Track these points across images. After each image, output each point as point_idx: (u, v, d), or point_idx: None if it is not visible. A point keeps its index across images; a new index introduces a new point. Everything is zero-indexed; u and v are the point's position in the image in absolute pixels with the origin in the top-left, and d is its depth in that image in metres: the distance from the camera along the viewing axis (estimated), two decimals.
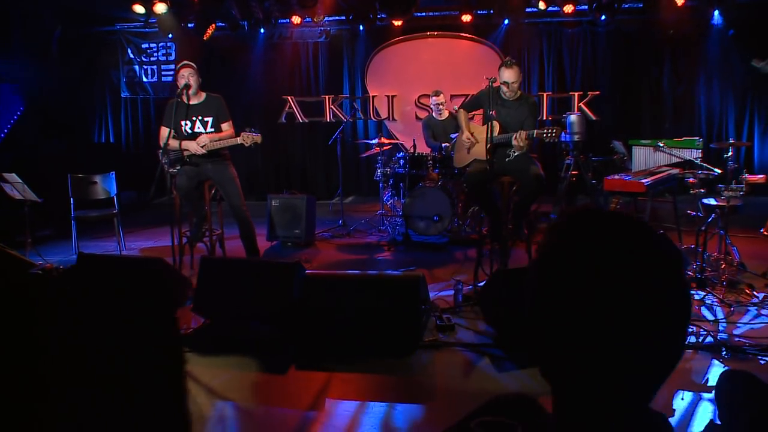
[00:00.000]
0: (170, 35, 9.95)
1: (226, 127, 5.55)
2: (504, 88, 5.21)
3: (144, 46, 10.84)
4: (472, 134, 5.50)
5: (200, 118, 5.47)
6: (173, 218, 5.42)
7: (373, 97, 10.17)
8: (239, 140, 5.32)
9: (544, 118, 9.59)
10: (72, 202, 6.73)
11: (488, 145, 4.78)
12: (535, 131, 4.92)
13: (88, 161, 8.75)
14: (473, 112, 5.88)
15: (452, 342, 3.99)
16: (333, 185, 10.45)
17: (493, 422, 1.28)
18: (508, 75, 5.17)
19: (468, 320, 4.35)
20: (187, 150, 5.39)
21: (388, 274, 4.21)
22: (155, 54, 10.87)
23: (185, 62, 5.49)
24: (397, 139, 9.35)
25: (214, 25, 9.10)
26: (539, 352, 0.80)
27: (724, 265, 4.83)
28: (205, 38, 9.12)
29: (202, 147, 5.33)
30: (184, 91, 5.33)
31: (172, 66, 10.82)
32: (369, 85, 10.21)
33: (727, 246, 4.93)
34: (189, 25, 9.55)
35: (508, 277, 3.96)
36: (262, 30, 9.83)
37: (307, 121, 10.28)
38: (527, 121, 5.15)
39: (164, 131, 5.49)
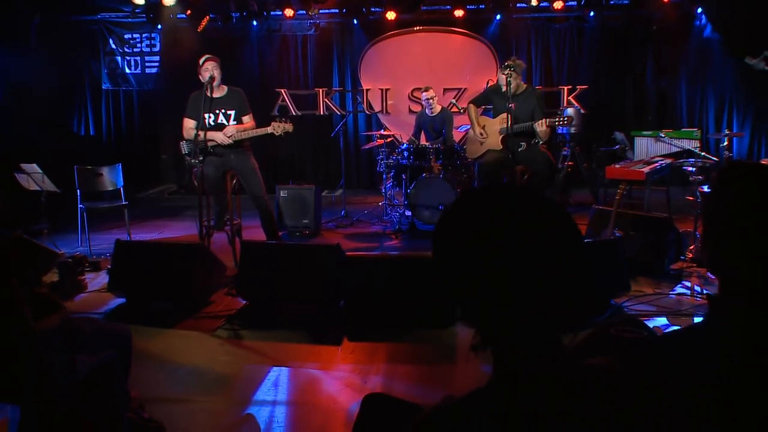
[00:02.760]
0: (159, 26, 10.25)
1: (248, 119, 5.97)
2: (507, 82, 5.79)
3: (127, 36, 11.10)
4: (483, 128, 6.06)
5: (223, 110, 5.87)
6: (199, 208, 5.80)
7: (367, 90, 10.68)
8: (269, 129, 5.74)
9: None
10: (78, 193, 7.05)
11: (509, 132, 5.33)
12: (548, 119, 5.52)
13: (69, 153, 9.01)
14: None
15: None
16: (321, 177, 10.91)
17: (626, 329, 1.84)
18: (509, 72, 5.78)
19: None
20: (213, 140, 5.79)
21: (426, 254, 4.71)
22: (139, 45, 11.14)
23: (209, 55, 5.89)
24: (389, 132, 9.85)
25: (207, 17, 9.46)
26: (713, 253, 1.34)
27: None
28: (198, 30, 9.48)
29: (228, 137, 5.74)
30: (210, 84, 5.73)
31: (157, 57, 11.13)
32: (362, 79, 10.72)
33: None
34: (179, 15, 9.90)
35: None
36: (254, 22, 10.24)
37: (300, 114, 10.71)
38: (536, 111, 5.75)
39: (188, 122, 5.89)
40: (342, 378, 3.66)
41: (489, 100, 6.16)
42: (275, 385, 3.58)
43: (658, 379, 1.20)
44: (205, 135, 5.71)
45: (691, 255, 5.59)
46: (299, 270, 4.67)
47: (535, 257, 1.02)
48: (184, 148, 6.00)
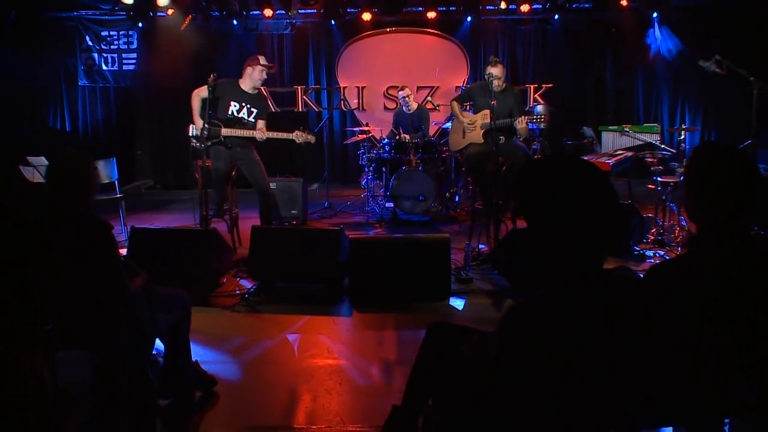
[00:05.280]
0: (140, 24, 10.60)
1: (261, 125, 6.36)
2: (493, 82, 6.37)
3: (104, 33, 11.36)
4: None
5: (248, 106, 6.29)
6: (203, 199, 6.23)
7: (344, 88, 11.22)
8: (292, 136, 6.19)
9: None
10: None
11: (493, 127, 5.89)
12: (527, 117, 6.14)
13: (47, 148, 9.28)
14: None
15: (476, 289, 5.15)
16: (298, 172, 11.33)
17: (619, 270, 2.42)
18: (495, 71, 6.35)
19: (479, 275, 5.52)
20: (232, 133, 6.16)
21: (421, 235, 5.26)
22: (116, 42, 11.40)
23: (267, 63, 6.35)
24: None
25: (191, 15, 9.84)
26: (694, 205, 1.92)
27: (678, 230, 6.21)
28: (182, 28, 9.86)
29: (263, 134, 6.20)
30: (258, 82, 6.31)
31: (134, 55, 11.42)
32: (339, 77, 11.26)
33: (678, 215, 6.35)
34: (159, 14, 10.26)
35: (519, 236, 5.13)
36: (234, 21, 10.65)
37: (278, 110, 11.16)
38: (515, 109, 6.35)
39: (203, 91, 6.15)
40: (359, 342, 4.20)
41: (471, 98, 6.74)
42: (300, 349, 4.09)
43: (661, 285, 1.78)
44: (221, 128, 6.10)
45: (653, 237, 6.28)
46: (306, 252, 5.18)
47: (593, 206, 1.57)
48: (193, 130, 6.32)
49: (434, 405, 2.15)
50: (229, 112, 6.20)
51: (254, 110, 6.29)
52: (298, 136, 6.20)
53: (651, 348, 1.66)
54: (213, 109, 6.06)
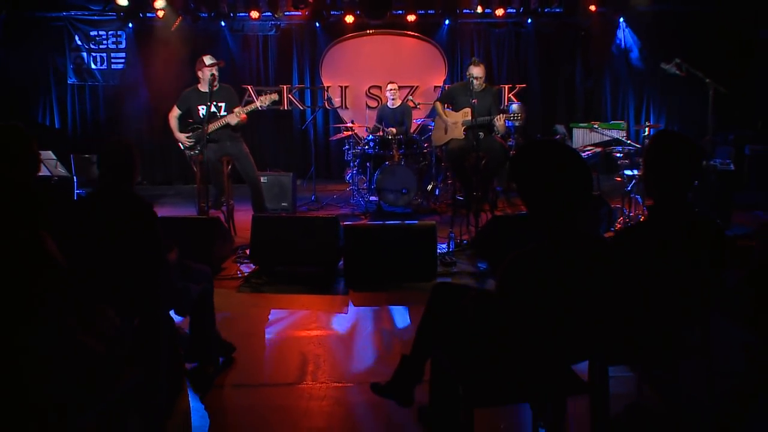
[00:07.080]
0: (130, 24, 10.88)
1: (238, 110, 6.77)
2: (474, 82, 6.82)
3: (93, 33, 11.59)
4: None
5: (215, 103, 6.67)
6: (197, 190, 6.60)
7: (327, 87, 11.61)
8: (257, 105, 6.65)
9: None
10: (75, 180, 7.69)
11: (473, 124, 6.35)
12: (504, 115, 6.60)
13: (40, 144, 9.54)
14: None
15: (459, 271, 5.59)
16: (282, 168, 11.72)
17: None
18: (476, 71, 6.80)
19: (462, 260, 5.96)
20: (215, 125, 6.57)
21: (409, 223, 5.69)
22: (105, 42, 11.64)
23: (213, 59, 6.68)
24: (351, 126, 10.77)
25: (180, 17, 10.15)
26: (653, 182, 2.37)
27: (642, 219, 6.71)
28: (172, 29, 10.16)
29: (238, 117, 6.61)
30: (211, 82, 6.52)
31: (123, 54, 11.67)
32: (323, 77, 11.66)
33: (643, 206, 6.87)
34: (148, 14, 10.56)
35: (500, 223, 5.59)
36: (222, 23, 10.98)
37: (264, 108, 11.45)
38: (493, 107, 6.81)
39: (176, 111, 6.76)
40: (357, 315, 4.62)
41: (452, 97, 7.19)
42: (304, 322, 4.50)
43: (625, 244, 2.23)
44: (206, 125, 6.50)
45: (619, 226, 6.78)
46: (303, 238, 5.57)
47: (573, 179, 2.01)
48: (182, 145, 6.78)
49: (440, 351, 2.56)
50: (201, 116, 6.60)
51: (222, 104, 6.69)
52: (263, 101, 6.68)
53: (617, 292, 2.11)
54: (191, 117, 6.66)
